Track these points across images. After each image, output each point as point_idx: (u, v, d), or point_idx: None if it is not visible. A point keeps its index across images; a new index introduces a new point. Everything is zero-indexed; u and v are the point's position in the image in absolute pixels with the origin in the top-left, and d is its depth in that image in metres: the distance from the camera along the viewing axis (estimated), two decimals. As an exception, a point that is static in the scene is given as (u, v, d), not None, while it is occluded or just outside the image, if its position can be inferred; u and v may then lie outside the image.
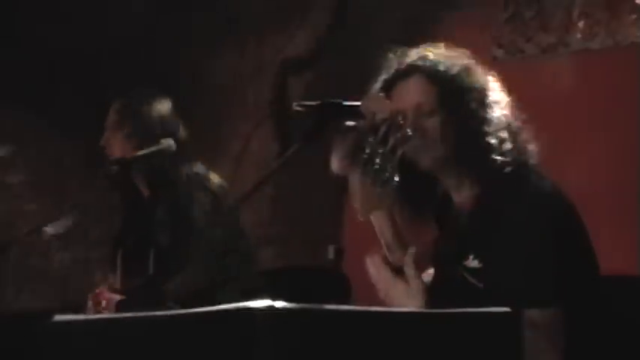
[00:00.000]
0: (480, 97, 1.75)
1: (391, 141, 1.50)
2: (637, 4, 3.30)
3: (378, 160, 1.49)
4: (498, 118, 1.74)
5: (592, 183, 3.22)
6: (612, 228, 3.12)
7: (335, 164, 1.64)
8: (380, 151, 1.50)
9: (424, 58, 1.79)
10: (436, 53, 1.79)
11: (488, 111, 1.74)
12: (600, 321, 1.69)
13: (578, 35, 3.46)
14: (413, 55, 1.80)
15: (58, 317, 1.17)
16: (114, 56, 4.09)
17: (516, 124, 1.76)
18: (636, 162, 3.20)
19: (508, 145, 1.73)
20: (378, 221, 1.77)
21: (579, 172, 3.16)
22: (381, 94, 1.59)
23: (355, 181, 1.63)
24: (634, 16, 3.31)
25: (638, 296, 1.97)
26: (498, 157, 1.71)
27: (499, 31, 3.66)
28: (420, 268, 1.76)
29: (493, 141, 1.72)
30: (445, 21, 3.78)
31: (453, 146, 1.73)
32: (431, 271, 1.83)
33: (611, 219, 3.16)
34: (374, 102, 1.60)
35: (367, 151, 1.49)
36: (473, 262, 1.71)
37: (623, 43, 3.33)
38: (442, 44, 1.82)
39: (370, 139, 1.50)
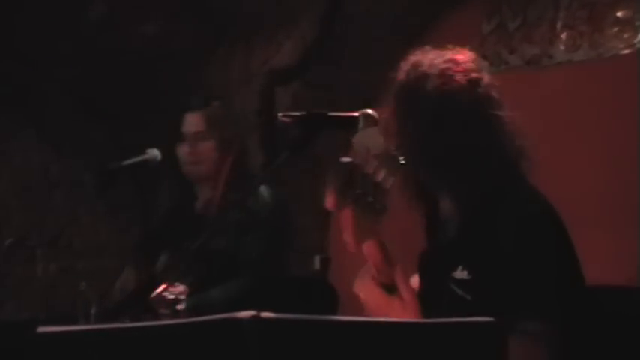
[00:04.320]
0: (469, 110, 1.76)
1: (383, 173, 1.49)
2: (619, 17, 3.34)
3: (371, 192, 1.49)
4: (487, 130, 1.76)
5: (584, 195, 3.24)
6: (612, 240, 3.13)
7: (329, 202, 1.62)
8: (373, 183, 1.49)
9: (415, 70, 1.79)
10: (428, 65, 1.79)
11: (477, 124, 1.76)
12: (595, 332, 1.69)
13: (562, 47, 3.49)
14: (404, 67, 1.79)
15: (43, 328, 1.16)
16: (103, 67, 4.09)
17: (504, 136, 1.77)
18: (633, 171, 3.21)
19: (496, 157, 1.74)
20: (369, 248, 1.75)
21: (568, 183, 3.17)
22: (376, 129, 1.58)
23: (347, 215, 1.63)
24: (616, 29, 3.34)
25: (638, 308, 1.97)
26: (486, 169, 1.73)
27: (483, 42, 3.68)
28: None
29: (481, 153, 1.73)
30: (429, 31, 3.80)
31: (440, 157, 1.74)
32: (417, 279, 1.84)
33: (610, 230, 3.17)
34: (368, 137, 1.59)
35: (361, 186, 1.49)
36: (461, 274, 1.71)
37: (606, 55, 3.36)
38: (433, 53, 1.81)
39: (364, 175, 1.49)
